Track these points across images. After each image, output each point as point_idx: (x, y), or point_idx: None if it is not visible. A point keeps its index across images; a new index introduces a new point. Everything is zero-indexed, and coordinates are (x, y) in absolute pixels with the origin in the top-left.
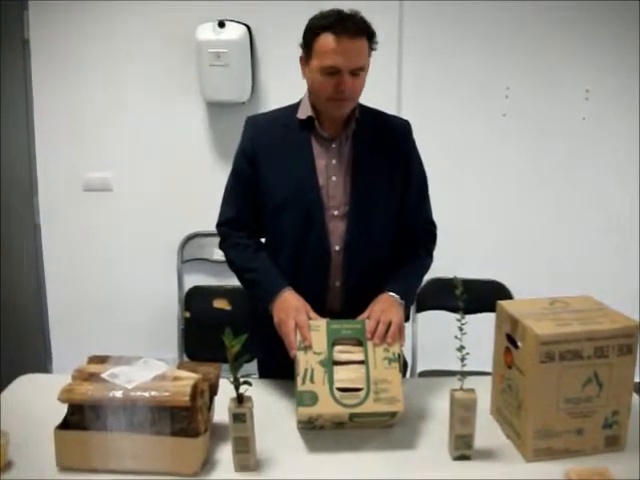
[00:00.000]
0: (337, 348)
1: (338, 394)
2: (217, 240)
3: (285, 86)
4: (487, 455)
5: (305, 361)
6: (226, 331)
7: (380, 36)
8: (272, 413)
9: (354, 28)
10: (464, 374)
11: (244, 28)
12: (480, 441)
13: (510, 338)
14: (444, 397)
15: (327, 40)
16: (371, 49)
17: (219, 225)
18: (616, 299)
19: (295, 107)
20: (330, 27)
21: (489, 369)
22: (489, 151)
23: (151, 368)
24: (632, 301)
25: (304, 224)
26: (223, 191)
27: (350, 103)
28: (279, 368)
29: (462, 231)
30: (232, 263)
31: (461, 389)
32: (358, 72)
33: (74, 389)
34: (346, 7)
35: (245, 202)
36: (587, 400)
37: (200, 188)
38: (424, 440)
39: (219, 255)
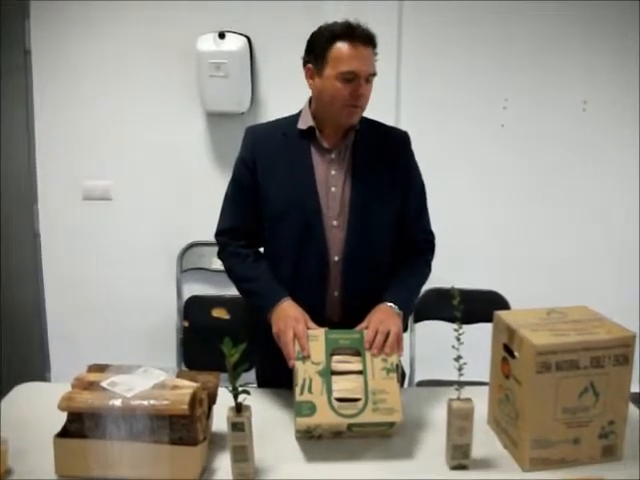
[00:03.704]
0: (335, 358)
1: (336, 404)
2: (216, 249)
3: (284, 97)
4: (484, 465)
5: (304, 371)
6: (225, 340)
7: (378, 46)
8: (270, 422)
9: (365, 36)
10: (461, 384)
11: (244, 39)
12: (477, 451)
13: (507, 348)
14: (442, 407)
15: (343, 47)
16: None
17: (218, 234)
18: (615, 309)
19: (295, 117)
20: (344, 35)
21: (486, 379)
22: (487, 161)
23: (150, 377)
24: (632, 311)
25: (303, 234)
26: (222, 200)
27: (361, 112)
28: (278, 377)
29: (460, 241)
30: (231, 272)
31: (458, 399)
32: (370, 80)
33: (74, 397)
34: (345, 18)
35: (244, 211)
36: (584, 410)
37: (199, 198)
38: (422, 449)
39: (218, 264)
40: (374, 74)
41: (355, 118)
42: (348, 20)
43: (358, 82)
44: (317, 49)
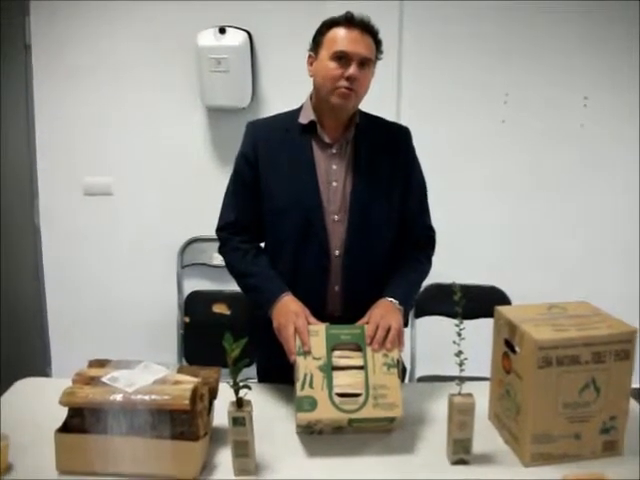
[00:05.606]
0: (336, 353)
1: (337, 399)
2: (217, 245)
3: (285, 92)
4: (485, 460)
5: (304, 366)
6: (226, 335)
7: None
8: (271, 417)
9: (363, 25)
10: (462, 379)
11: (245, 34)
12: (478, 446)
13: (508, 343)
14: (442, 402)
15: (338, 31)
16: (377, 58)
17: (219, 229)
18: (616, 304)
19: (296, 112)
20: (340, 22)
21: (487, 374)
22: (488, 157)
23: (151, 372)
24: (632, 307)
25: (304, 229)
26: (223, 195)
27: (354, 97)
28: (278, 372)
29: (461, 237)
30: (232, 267)
31: (459, 394)
32: (365, 65)
33: (75, 392)
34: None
35: (245, 206)
36: (585, 405)
37: (200, 193)
38: (422, 444)
39: (219, 260)
40: (368, 59)
41: (348, 102)
42: (351, 12)
43: (350, 64)
44: (317, 36)
